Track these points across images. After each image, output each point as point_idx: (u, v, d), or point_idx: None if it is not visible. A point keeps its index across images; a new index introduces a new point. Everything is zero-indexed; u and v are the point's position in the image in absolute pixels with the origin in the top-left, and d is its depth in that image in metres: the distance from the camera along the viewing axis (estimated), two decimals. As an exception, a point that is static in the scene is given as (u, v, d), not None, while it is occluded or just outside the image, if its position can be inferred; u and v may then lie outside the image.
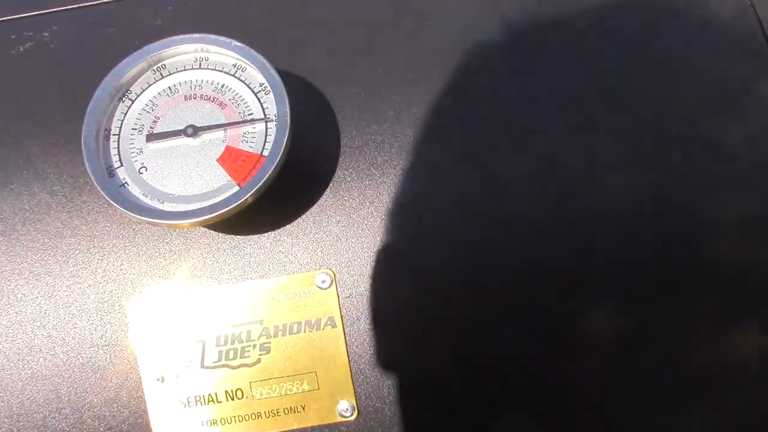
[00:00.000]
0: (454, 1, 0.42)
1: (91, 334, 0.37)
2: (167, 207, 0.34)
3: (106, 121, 0.36)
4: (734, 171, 0.38)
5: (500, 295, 0.37)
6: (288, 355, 0.37)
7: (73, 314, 0.38)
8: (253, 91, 0.36)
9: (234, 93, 0.36)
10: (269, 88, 0.35)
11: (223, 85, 0.36)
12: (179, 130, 0.35)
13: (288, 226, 0.38)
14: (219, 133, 0.36)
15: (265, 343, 0.37)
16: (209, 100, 0.36)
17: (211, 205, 0.33)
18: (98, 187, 0.34)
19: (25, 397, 0.37)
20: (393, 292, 0.37)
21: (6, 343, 0.38)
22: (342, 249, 0.38)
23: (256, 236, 0.38)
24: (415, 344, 0.37)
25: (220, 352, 0.37)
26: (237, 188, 0.34)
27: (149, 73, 0.37)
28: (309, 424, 0.37)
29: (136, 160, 0.35)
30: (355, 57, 0.40)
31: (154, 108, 0.36)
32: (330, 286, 0.37)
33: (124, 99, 0.36)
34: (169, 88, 0.37)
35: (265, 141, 0.35)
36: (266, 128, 0.35)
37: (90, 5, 0.43)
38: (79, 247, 0.38)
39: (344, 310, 0.37)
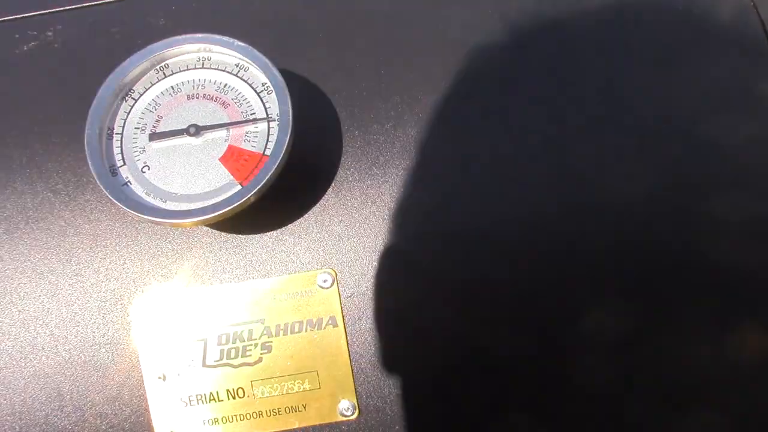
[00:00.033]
0: (456, 1, 0.42)
1: (94, 332, 0.38)
2: (170, 206, 0.34)
3: (109, 120, 0.36)
4: (734, 171, 0.38)
5: (501, 295, 0.37)
6: (289, 355, 0.37)
7: (76, 313, 0.38)
8: (255, 91, 0.36)
9: (236, 92, 0.36)
10: (272, 88, 0.35)
11: (226, 85, 0.37)
12: (182, 129, 0.36)
13: (290, 226, 0.38)
14: (221, 133, 0.36)
15: (266, 342, 0.37)
16: (212, 99, 0.36)
17: (213, 205, 0.34)
18: (101, 186, 0.34)
19: (27, 395, 0.37)
20: (394, 291, 0.37)
21: (9, 341, 0.38)
22: (344, 248, 0.38)
23: (258, 235, 0.38)
24: (417, 344, 0.37)
25: (222, 351, 0.37)
26: (239, 187, 0.34)
27: (152, 72, 0.37)
28: (310, 423, 0.37)
29: (138, 159, 0.35)
30: (357, 57, 0.41)
31: (157, 107, 0.36)
32: (332, 285, 0.38)
33: (127, 98, 0.37)
34: (172, 87, 0.37)
35: (268, 140, 0.35)
36: (268, 128, 0.35)
37: (93, 5, 0.43)
38: (81, 246, 0.38)
39: (346, 310, 0.37)
